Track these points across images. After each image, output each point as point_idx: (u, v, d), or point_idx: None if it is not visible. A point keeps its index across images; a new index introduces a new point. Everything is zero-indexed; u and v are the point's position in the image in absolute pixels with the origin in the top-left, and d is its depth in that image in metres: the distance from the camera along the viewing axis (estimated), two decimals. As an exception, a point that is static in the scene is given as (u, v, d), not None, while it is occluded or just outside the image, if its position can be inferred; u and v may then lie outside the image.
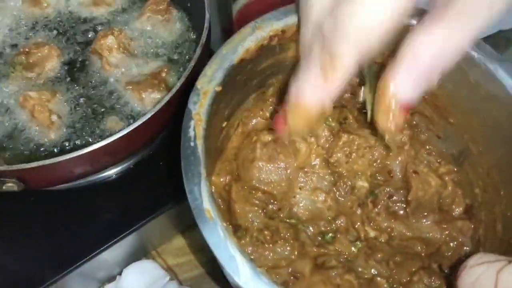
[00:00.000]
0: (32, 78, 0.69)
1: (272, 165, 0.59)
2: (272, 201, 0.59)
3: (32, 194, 0.67)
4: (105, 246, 0.65)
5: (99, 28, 0.76)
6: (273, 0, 1.02)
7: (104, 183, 0.70)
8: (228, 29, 0.92)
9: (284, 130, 0.49)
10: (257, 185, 0.59)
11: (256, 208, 0.58)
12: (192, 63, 0.62)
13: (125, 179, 0.70)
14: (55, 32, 0.75)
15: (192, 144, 0.48)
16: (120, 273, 0.72)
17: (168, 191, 0.69)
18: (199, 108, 0.49)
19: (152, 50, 0.74)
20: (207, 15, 0.67)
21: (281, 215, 0.59)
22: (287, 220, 0.58)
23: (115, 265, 0.72)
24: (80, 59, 0.73)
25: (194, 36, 0.75)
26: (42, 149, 0.64)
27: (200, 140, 0.48)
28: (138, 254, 0.74)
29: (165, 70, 0.69)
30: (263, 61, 0.58)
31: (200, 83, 0.51)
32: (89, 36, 0.75)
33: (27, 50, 0.70)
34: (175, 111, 0.61)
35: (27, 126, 0.65)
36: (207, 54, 0.67)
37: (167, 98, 0.60)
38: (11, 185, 0.56)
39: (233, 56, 0.53)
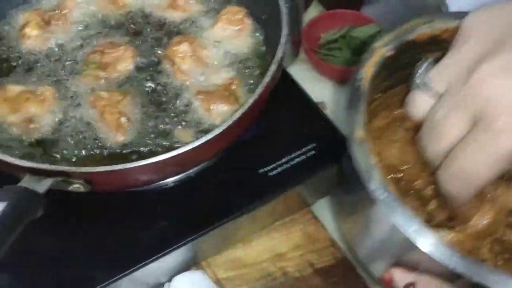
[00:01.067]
0: (103, 77, 0.69)
1: None
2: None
3: (89, 196, 0.67)
4: (160, 254, 0.65)
5: (173, 33, 0.75)
6: (340, 15, 1.01)
7: (161, 191, 0.69)
8: (297, 44, 0.91)
9: None
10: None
11: None
12: (266, 80, 0.61)
13: (183, 188, 0.69)
14: (128, 32, 0.76)
15: (358, 83, 0.57)
16: (168, 281, 0.71)
17: (227, 203, 0.68)
18: (369, 63, 0.58)
19: (222, 60, 0.73)
20: (284, 31, 0.66)
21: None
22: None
23: (164, 272, 0.71)
24: (152, 63, 0.72)
25: (266, 49, 0.74)
26: (108, 151, 0.64)
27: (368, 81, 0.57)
28: (188, 263, 0.73)
29: (236, 82, 0.68)
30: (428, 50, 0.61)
31: (377, 45, 0.59)
32: (163, 40, 0.75)
33: (101, 49, 0.70)
34: (244, 126, 0.61)
35: (95, 126, 0.66)
36: (280, 70, 0.66)
37: (238, 114, 0.59)
38: (77, 186, 0.56)
39: (409, 35, 0.60)
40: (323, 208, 0.80)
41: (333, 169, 0.74)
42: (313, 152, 0.73)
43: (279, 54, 0.63)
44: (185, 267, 0.73)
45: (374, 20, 0.99)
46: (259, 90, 0.60)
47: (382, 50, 0.59)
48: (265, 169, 0.71)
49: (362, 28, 0.98)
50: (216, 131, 0.57)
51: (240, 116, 0.58)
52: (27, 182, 0.53)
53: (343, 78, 0.96)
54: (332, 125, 0.74)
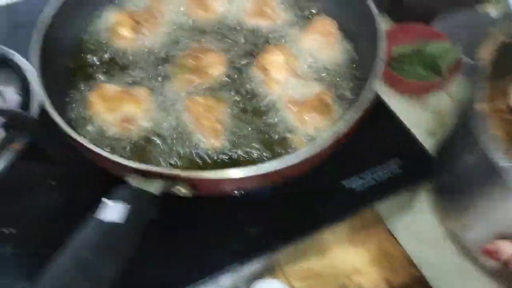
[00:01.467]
0: (196, 82, 0.70)
1: None
2: None
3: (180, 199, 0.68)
4: (246, 260, 0.65)
5: (261, 41, 0.76)
6: (410, 29, 1.00)
7: (250, 198, 0.69)
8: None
9: None
10: None
11: None
12: (369, 95, 0.61)
13: (271, 197, 0.69)
14: (218, 38, 0.76)
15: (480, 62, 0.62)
16: (246, 286, 0.72)
17: (314, 215, 0.68)
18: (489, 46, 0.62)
19: (313, 71, 0.73)
20: (381, 45, 0.65)
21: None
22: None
23: (243, 278, 0.72)
24: (242, 70, 0.73)
25: (356, 61, 0.74)
26: (205, 155, 0.65)
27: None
28: (265, 270, 0.73)
29: (329, 94, 0.68)
30: None
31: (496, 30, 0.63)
32: (252, 48, 0.75)
33: (195, 54, 0.71)
34: (347, 138, 0.61)
35: (191, 131, 0.66)
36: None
37: (342, 127, 0.59)
38: (183, 190, 0.56)
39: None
40: (400, 225, 0.79)
41: (417, 187, 0.74)
42: (398, 168, 0.72)
43: (375, 72, 0.63)
44: (261, 274, 0.73)
45: (445, 35, 0.98)
46: (360, 105, 0.60)
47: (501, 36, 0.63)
48: (350, 182, 0.71)
49: (435, 44, 0.98)
50: (322, 145, 0.57)
51: (349, 127, 0.58)
52: (140, 184, 0.54)
53: (414, 92, 0.96)
54: (419, 143, 0.74)
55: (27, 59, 0.84)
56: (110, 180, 0.60)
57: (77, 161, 0.69)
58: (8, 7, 0.98)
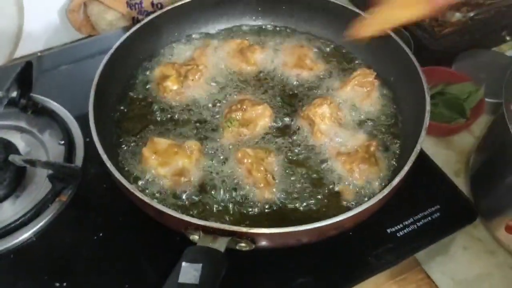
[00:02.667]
0: (246, 135, 0.71)
1: None
2: None
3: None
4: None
5: (304, 92, 0.78)
6: (433, 72, 1.03)
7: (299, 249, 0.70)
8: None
9: None
10: None
11: None
12: (418, 148, 0.63)
13: (318, 247, 0.70)
14: (261, 89, 0.78)
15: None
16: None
17: (361, 263, 0.69)
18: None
19: (355, 122, 0.75)
20: (427, 97, 0.68)
21: None
22: None
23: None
24: (288, 122, 0.75)
25: (395, 109, 0.77)
26: (259, 208, 0.66)
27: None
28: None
29: (374, 144, 0.70)
30: None
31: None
32: (295, 98, 0.77)
33: (243, 107, 0.73)
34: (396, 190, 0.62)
35: (243, 182, 0.67)
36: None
37: (396, 180, 0.61)
38: (244, 245, 0.57)
39: None
40: (437, 267, 0.80)
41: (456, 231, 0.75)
42: (438, 214, 0.74)
43: (426, 122, 0.65)
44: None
45: (467, 77, 1.02)
46: (412, 157, 0.62)
47: None
48: (393, 229, 0.72)
49: (457, 86, 1.01)
50: (378, 197, 0.59)
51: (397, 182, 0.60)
52: (206, 242, 0.55)
53: (441, 134, 0.98)
54: (457, 189, 0.76)
55: (65, 108, 0.86)
56: (163, 234, 0.62)
57: (123, 211, 0.71)
58: (40, 56, 1.00)
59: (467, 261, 0.81)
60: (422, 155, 0.81)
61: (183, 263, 0.50)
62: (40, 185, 0.77)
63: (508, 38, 1.13)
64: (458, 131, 0.99)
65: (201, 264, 0.50)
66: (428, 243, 0.72)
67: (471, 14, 1.12)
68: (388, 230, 0.72)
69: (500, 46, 1.13)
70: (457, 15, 1.12)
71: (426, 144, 0.96)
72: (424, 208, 0.75)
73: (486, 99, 0.99)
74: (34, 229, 0.72)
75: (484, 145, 0.87)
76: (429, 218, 0.74)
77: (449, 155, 0.95)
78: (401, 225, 0.73)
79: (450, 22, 1.10)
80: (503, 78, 0.87)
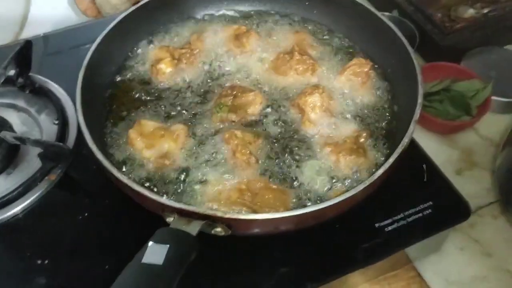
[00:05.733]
0: (234, 120, 0.71)
1: None
2: None
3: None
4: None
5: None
6: (441, 67, 1.01)
7: (280, 238, 0.69)
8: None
9: None
10: None
11: None
12: (405, 141, 0.61)
13: (302, 237, 0.69)
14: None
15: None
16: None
17: (345, 255, 0.68)
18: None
19: (347, 112, 0.73)
20: (420, 90, 0.66)
21: None
22: None
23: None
24: (278, 109, 0.73)
25: (389, 101, 0.75)
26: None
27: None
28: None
29: (364, 135, 0.69)
30: None
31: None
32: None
33: (234, 93, 0.72)
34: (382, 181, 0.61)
35: (226, 163, 0.67)
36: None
37: (379, 172, 0.59)
38: (220, 230, 0.57)
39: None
40: (428, 265, 0.78)
41: (448, 229, 0.73)
42: (430, 211, 0.72)
43: (417, 114, 0.64)
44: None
45: (475, 74, 0.99)
46: (399, 149, 0.60)
47: None
48: (382, 224, 0.71)
49: (465, 83, 0.98)
50: (360, 187, 0.57)
51: (381, 174, 0.58)
52: (179, 224, 0.54)
53: (445, 131, 0.95)
54: (450, 186, 0.74)
55: (63, 88, 0.86)
56: (145, 216, 0.62)
57: (110, 193, 0.71)
58: (44, 37, 1.00)
59: (462, 262, 0.79)
60: (418, 151, 0.79)
61: (150, 243, 0.50)
62: (32, 163, 0.78)
63: (521, 36, 1.10)
64: (463, 128, 0.96)
65: (168, 245, 0.49)
66: (417, 239, 0.71)
67: (485, 10, 1.09)
68: (377, 225, 0.71)
69: None
70: (470, 11, 1.09)
71: (429, 141, 0.94)
72: (416, 204, 0.73)
73: (494, 98, 0.96)
74: (21, 206, 0.72)
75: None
76: (420, 214, 0.72)
77: (452, 153, 0.93)
78: (390, 220, 0.71)
79: (462, 17, 1.07)
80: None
